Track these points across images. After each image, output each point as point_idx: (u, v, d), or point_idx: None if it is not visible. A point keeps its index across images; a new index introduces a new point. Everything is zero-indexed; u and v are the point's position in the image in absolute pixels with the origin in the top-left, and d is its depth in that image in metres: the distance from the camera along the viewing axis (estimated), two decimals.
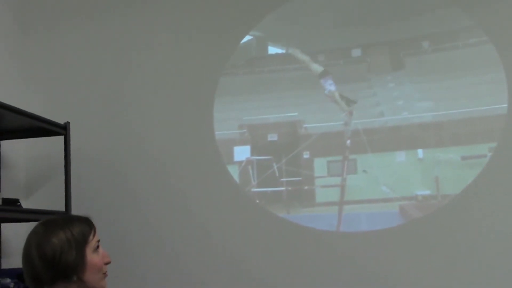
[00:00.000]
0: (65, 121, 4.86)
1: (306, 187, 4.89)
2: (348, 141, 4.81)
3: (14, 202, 4.47)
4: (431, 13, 4.74)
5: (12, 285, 4.23)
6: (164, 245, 5.06)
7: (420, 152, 4.70)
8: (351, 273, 4.67)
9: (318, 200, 4.87)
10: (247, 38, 5.10)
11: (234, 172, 5.01)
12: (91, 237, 2.63)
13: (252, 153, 5.02)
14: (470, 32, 4.65)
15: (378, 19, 4.85)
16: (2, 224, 4.84)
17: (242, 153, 5.02)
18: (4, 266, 4.80)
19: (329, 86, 4.87)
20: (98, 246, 2.64)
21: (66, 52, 5.42)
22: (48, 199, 5.04)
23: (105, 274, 2.67)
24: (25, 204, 4.95)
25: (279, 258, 4.83)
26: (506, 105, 4.51)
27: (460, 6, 4.66)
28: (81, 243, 2.60)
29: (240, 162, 5.02)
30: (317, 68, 4.89)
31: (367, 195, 4.76)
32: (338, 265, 4.71)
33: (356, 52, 4.89)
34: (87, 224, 2.66)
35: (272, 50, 5.10)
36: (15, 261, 4.77)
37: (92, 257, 2.61)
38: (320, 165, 4.86)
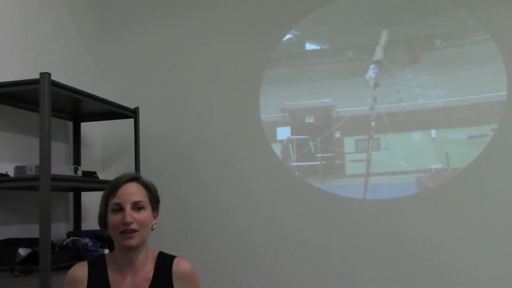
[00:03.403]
0: (135, 106, 4.80)
1: (337, 162, 4.76)
2: (373, 123, 4.68)
3: (92, 174, 4.34)
4: (443, 15, 4.61)
5: (90, 244, 4.11)
6: (219, 210, 4.97)
7: (433, 132, 4.56)
8: (375, 234, 4.58)
9: (347, 173, 4.73)
10: (288, 36, 4.95)
11: (277, 149, 4.89)
12: (110, 198, 2.57)
13: (292, 133, 4.88)
14: (475, 31, 4.52)
15: (397, 20, 4.71)
16: (82, 193, 4.74)
17: (283, 133, 4.89)
18: (84, 228, 4.70)
19: (372, 73, 4.72)
20: (117, 209, 2.54)
21: (136, 47, 5.31)
22: (120, 171, 4.78)
23: (124, 233, 2.53)
24: (101, 176, 4.85)
25: (314, 220, 4.74)
26: (505, 92, 4.40)
27: (467, 10, 4.53)
28: (104, 201, 2.61)
29: (282, 141, 4.89)
30: (378, 55, 4.74)
31: (388, 168, 4.62)
32: (364, 227, 4.62)
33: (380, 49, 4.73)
34: (112, 186, 2.62)
35: (309, 46, 4.93)
36: (93, 224, 4.54)
37: (109, 216, 2.56)
38: (349, 143, 4.73)
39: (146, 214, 2.58)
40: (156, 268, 2.66)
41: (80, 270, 2.65)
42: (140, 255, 2.63)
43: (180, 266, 2.68)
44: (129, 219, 2.51)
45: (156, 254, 2.72)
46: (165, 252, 2.77)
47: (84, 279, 2.62)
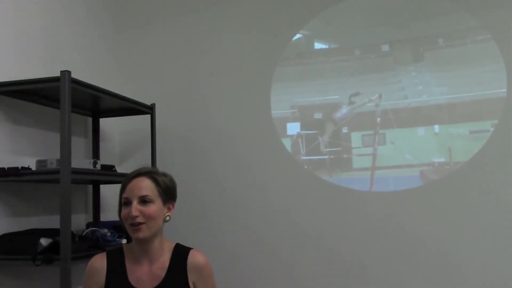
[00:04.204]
0: (152, 103, 4.73)
1: (345, 156, 4.69)
2: (379, 119, 4.61)
3: (110, 167, 4.28)
4: (445, 16, 4.53)
5: (108, 234, 4.07)
6: (231, 201, 4.92)
7: (436, 127, 4.50)
8: (380, 224, 4.54)
9: (354, 166, 4.66)
10: (297, 36, 4.88)
11: (287, 143, 4.81)
12: (122, 192, 2.61)
13: (302, 128, 4.81)
14: (476, 31, 4.44)
15: (402, 21, 4.64)
16: (101, 185, 4.70)
17: (293, 128, 4.82)
18: (103, 219, 4.66)
19: (343, 115, 4.75)
20: (126, 202, 2.57)
21: (152, 47, 5.25)
22: (137, 165, 4.81)
23: (132, 226, 2.55)
24: (119, 169, 4.77)
25: (323, 212, 4.69)
26: (505, 89, 4.33)
27: (469, 11, 4.46)
28: (119, 195, 2.63)
29: (292, 136, 4.82)
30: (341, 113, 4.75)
31: (394, 162, 4.56)
32: (370, 218, 4.58)
33: (385, 47, 4.67)
34: (123, 181, 2.65)
35: (318, 45, 4.86)
36: (111, 215, 4.67)
37: (122, 208, 2.59)
38: (356, 138, 4.66)
39: (153, 207, 2.57)
40: (172, 259, 2.65)
41: (99, 261, 2.66)
42: (154, 245, 2.63)
43: (195, 257, 2.67)
44: (134, 213, 2.51)
45: (173, 245, 2.71)
46: (181, 244, 2.75)
47: (103, 269, 2.63)
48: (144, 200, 2.55)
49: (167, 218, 2.65)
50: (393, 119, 4.56)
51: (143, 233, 2.54)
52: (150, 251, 2.62)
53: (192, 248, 2.71)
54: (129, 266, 2.63)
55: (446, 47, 4.51)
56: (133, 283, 2.58)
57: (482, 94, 4.39)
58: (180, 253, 2.68)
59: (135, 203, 2.54)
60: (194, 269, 2.64)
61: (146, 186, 2.59)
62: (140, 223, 2.53)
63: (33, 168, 3.60)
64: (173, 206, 2.71)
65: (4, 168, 3.53)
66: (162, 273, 2.60)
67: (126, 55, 5.26)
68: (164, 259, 2.64)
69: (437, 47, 4.54)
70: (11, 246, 3.49)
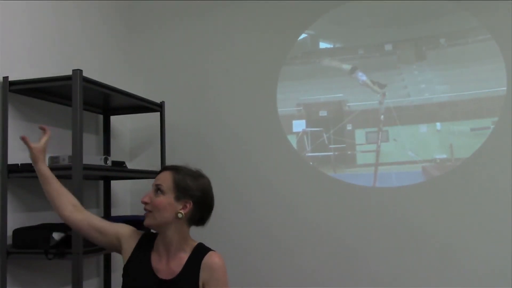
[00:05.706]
0: (161, 100, 4.70)
1: (349, 152, 4.62)
2: (382, 116, 4.55)
3: (121, 164, 4.22)
4: (447, 16, 4.47)
5: None
6: (239, 196, 4.86)
7: (438, 124, 4.44)
8: (384, 219, 4.50)
9: (358, 162, 4.60)
10: (303, 36, 4.82)
11: (293, 140, 4.75)
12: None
13: (307, 126, 4.74)
14: (477, 31, 4.39)
15: (405, 21, 4.58)
16: (112, 181, 4.64)
17: (299, 125, 4.76)
18: (114, 214, 4.62)
19: (361, 77, 4.62)
20: (155, 189, 2.61)
21: (162, 46, 5.19)
22: (147, 161, 4.94)
23: (145, 210, 2.61)
24: (130, 165, 4.77)
25: (328, 207, 4.64)
26: (505, 88, 4.28)
27: (470, 11, 4.42)
28: None
29: (297, 133, 4.76)
30: (346, 67, 4.65)
31: (396, 158, 4.50)
32: (373, 213, 4.53)
33: (388, 47, 4.60)
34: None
35: (323, 45, 4.79)
36: (122, 210, 4.72)
37: None
38: (360, 135, 4.60)
39: (161, 198, 2.56)
40: (190, 257, 2.63)
41: (135, 235, 2.76)
42: (170, 239, 2.61)
43: (211, 258, 2.62)
44: (143, 198, 2.59)
45: (195, 244, 2.69)
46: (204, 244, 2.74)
47: (134, 243, 2.72)
48: (157, 189, 2.58)
49: (179, 215, 2.58)
50: (396, 116, 4.50)
51: (148, 220, 2.57)
52: (167, 244, 2.61)
53: (213, 250, 2.67)
54: (153, 253, 2.65)
55: (448, 47, 4.45)
56: (154, 269, 2.61)
57: (483, 92, 4.33)
58: (199, 252, 2.64)
59: (151, 191, 2.60)
60: (207, 269, 2.59)
61: (164, 177, 2.60)
62: (149, 211, 2.57)
63: (46, 164, 3.54)
64: (190, 206, 2.62)
65: (18, 164, 3.49)
66: (177, 269, 2.58)
67: (136, 54, 5.21)
68: (183, 256, 2.62)
69: (439, 47, 4.48)
70: (24, 240, 3.46)
